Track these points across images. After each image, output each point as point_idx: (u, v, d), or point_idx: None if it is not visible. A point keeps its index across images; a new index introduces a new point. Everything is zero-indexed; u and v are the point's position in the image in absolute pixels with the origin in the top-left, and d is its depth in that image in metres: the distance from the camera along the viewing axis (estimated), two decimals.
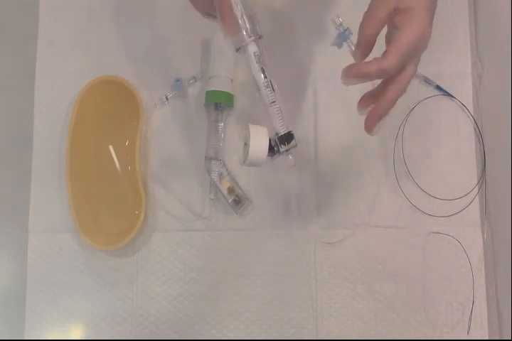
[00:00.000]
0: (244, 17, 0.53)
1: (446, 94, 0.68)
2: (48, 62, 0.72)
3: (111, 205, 0.69)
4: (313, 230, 0.67)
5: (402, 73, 0.47)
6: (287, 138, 0.52)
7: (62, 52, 0.72)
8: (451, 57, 0.69)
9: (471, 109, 0.68)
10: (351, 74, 0.47)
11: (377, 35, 0.47)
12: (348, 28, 0.53)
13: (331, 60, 0.67)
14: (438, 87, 0.68)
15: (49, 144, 0.70)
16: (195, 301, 0.67)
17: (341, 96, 0.69)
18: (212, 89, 0.67)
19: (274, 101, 0.53)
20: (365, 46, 0.48)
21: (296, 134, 0.68)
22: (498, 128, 0.66)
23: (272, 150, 0.52)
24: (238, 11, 0.52)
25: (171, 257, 0.68)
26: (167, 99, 0.69)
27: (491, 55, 0.68)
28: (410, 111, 0.68)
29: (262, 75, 0.53)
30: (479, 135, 0.68)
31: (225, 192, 0.66)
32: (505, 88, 0.65)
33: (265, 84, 0.53)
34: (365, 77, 0.47)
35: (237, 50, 0.55)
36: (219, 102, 0.67)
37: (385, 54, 0.45)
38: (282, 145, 0.52)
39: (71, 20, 0.72)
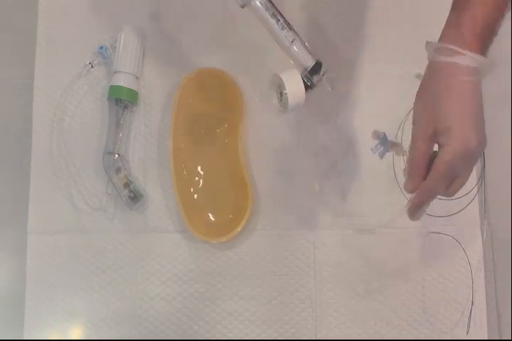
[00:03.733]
0: None
1: None
2: (47, 62, 0.71)
3: (215, 199, 0.69)
4: (313, 230, 0.67)
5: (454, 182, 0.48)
6: (316, 68, 0.52)
7: (61, 51, 0.72)
8: None
9: None
10: (412, 212, 0.51)
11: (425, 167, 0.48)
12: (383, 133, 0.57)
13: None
14: None
15: (48, 144, 0.70)
16: (194, 301, 0.67)
17: (340, 95, 0.69)
18: (116, 84, 0.67)
19: (293, 40, 0.53)
20: (415, 177, 0.49)
21: (296, 134, 0.69)
22: (498, 127, 0.66)
23: (306, 86, 0.53)
24: None
25: (170, 257, 0.68)
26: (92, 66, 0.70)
27: (490, 55, 0.68)
28: (410, 111, 0.68)
29: (274, 20, 0.53)
30: None
31: (121, 187, 0.66)
32: (505, 88, 0.65)
33: (280, 26, 0.53)
34: (420, 205, 0.50)
35: (243, 6, 0.55)
36: (120, 98, 0.67)
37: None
38: (314, 77, 0.52)
39: (70, 20, 0.72)
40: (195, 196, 0.68)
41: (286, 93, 0.51)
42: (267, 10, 0.54)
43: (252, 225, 0.67)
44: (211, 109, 0.70)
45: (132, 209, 0.67)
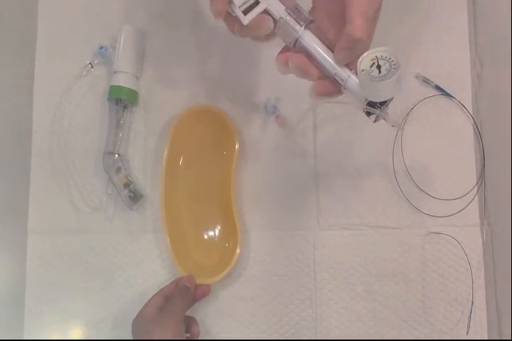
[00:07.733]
0: None
1: (446, 94, 0.68)
2: (47, 62, 0.71)
3: (202, 235, 0.68)
4: (312, 230, 0.67)
5: None
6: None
7: (61, 51, 0.71)
8: (450, 57, 0.69)
9: (471, 109, 0.68)
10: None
11: None
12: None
13: None
14: (437, 87, 0.68)
15: (48, 145, 0.70)
16: None
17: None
18: (116, 84, 0.67)
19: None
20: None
21: (295, 134, 0.69)
22: (498, 128, 0.67)
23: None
24: None
25: (169, 258, 0.67)
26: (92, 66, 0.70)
27: (490, 55, 0.68)
28: (409, 112, 0.68)
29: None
30: (478, 135, 0.68)
31: (121, 187, 0.66)
32: (504, 88, 0.65)
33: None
34: (344, 58, 0.43)
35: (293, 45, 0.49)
36: (120, 98, 0.67)
37: (348, 24, 0.41)
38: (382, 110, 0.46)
39: (70, 20, 0.72)
40: (186, 237, 0.68)
41: (393, 62, 0.44)
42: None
43: (251, 225, 0.67)
44: (203, 146, 0.69)
45: (132, 209, 0.67)
